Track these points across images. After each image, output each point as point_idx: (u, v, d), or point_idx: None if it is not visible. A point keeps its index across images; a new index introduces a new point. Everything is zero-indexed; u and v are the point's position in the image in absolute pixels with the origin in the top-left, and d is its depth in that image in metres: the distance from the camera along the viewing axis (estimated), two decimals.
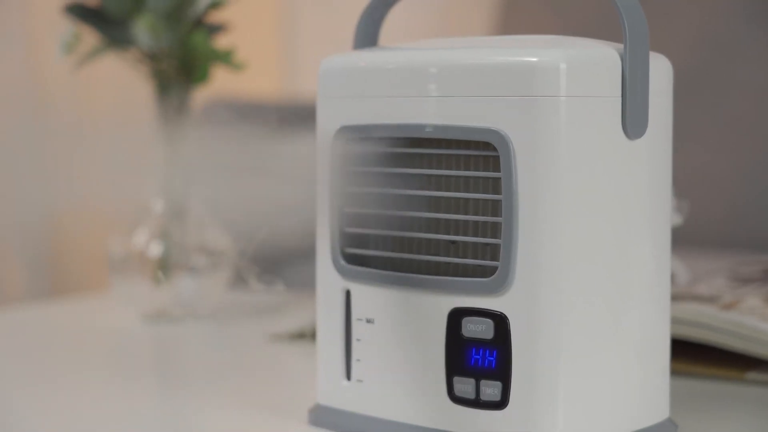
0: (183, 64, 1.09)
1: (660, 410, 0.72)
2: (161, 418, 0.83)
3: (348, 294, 0.74)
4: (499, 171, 0.68)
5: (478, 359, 0.69)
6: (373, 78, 0.72)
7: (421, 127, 0.70)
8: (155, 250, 1.10)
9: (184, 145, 1.11)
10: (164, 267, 1.10)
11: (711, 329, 0.86)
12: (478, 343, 0.69)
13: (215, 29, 1.11)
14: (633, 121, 0.68)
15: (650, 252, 0.70)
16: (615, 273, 0.68)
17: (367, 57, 0.74)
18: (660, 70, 0.70)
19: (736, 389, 0.85)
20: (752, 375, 0.86)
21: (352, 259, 0.74)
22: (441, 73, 0.69)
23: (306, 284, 1.34)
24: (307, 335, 1.01)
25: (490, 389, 0.68)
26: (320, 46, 2.29)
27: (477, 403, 0.69)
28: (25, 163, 1.99)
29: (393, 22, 2.20)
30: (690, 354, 0.88)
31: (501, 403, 0.68)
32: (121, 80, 1.98)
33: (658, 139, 0.70)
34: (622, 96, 0.68)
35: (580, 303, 0.67)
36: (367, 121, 0.72)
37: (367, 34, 0.78)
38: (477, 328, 0.68)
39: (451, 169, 0.70)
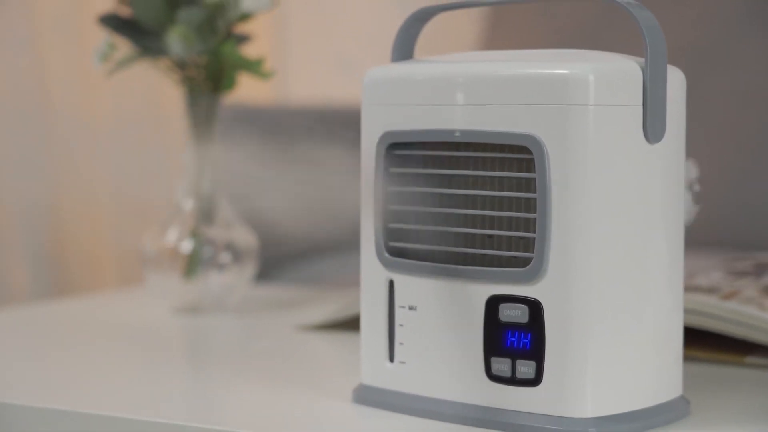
0: (211, 73, 1.16)
1: (674, 388, 0.80)
2: (210, 399, 0.90)
3: (391, 284, 0.81)
4: (532, 172, 0.75)
5: (514, 341, 0.76)
6: (416, 87, 0.80)
7: (460, 132, 0.78)
8: (186, 247, 1.17)
9: (212, 147, 1.18)
10: (194, 263, 1.17)
11: (713, 317, 0.94)
12: (514, 326, 0.76)
13: (242, 39, 1.18)
14: (653, 127, 0.76)
15: (666, 246, 0.78)
16: (636, 264, 0.76)
17: (410, 68, 0.81)
18: (675, 81, 0.78)
19: (737, 372, 0.93)
20: (751, 359, 0.94)
21: (396, 252, 0.81)
22: (479, 83, 0.77)
23: (319, 280, 1.42)
24: (334, 325, 1.08)
25: (525, 368, 0.76)
26: (310, 53, 2.36)
27: (513, 380, 0.76)
28: (29, 164, 2.05)
29: (384, 30, 2.28)
30: (694, 340, 0.95)
31: (535, 381, 0.76)
32: (123, 84, 2.05)
33: (674, 143, 0.78)
34: (643, 104, 0.76)
35: (606, 290, 0.75)
36: (410, 127, 0.80)
37: (404, 48, 0.85)
38: (513, 313, 0.76)
39: (486, 170, 0.78)
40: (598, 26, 1.72)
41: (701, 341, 0.96)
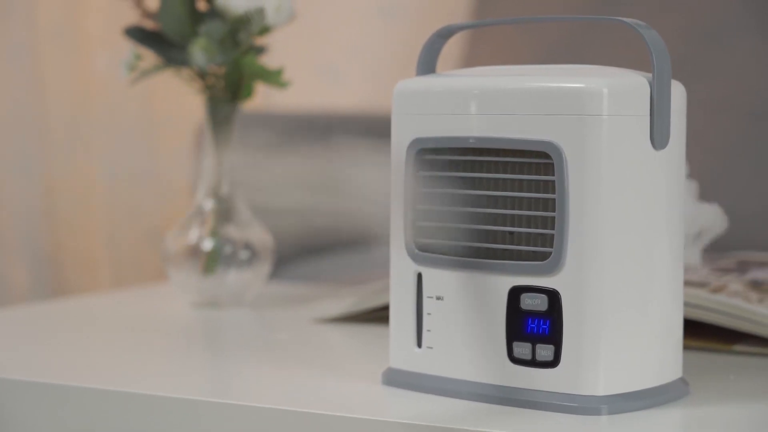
0: (230, 82, 1.24)
1: (675, 371, 0.89)
2: (242, 379, 0.98)
3: (419, 276, 0.90)
4: (551, 175, 0.84)
5: (534, 327, 0.85)
6: (444, 98, 0.88)
7: (485, 139, 0.86)
8: (206, 245, 1.25)
9: (231, 151, 1.26)
10: (214, 261, 1.25)
11: (704, 309, 1.03)
12: (534, 314, 0.85)
13: (260, 50, 1.26)
14: (659, 135, 0.85)
15: (668, 243, 0.87)
16: (643, 259, 0.85)
17: (437, 81, 0.90)
18: (677, 94, 0.87)
19: (726, 358, 1.02)
20: (739, 347, 1.03)
21: (424, 248, 0.90)
22: (503, 95, 0.85)
23: (321, 278, 1.50)
24: (348, 318, 1.16)
25: (544, 351, 0.84)
26: (293, 63, 2.43)
27: (533, 363, 0.85)
28: (27, 169, 2.12)
29: (368, 40, 2.34)
30: (686, 330, 1.04)
31: (553, 363, 0.84)
32: (117, 92, 2.12)
33: (677, 149, 0.87)
34: (651, 115, 0.84)
35: (618, 282, 0.84)
36: (438, 134, 0.88)
37: (428, 62, 0.94)
38: (533, 302, 0.85)
39: (508, 173, 0.86)
40: (579, 39, 1.80)
41: (692, 331, 1.04)
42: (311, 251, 1.62)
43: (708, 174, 1.62)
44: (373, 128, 1.88)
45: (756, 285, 1.10)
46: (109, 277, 2.20)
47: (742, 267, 1.17)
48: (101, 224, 2.19)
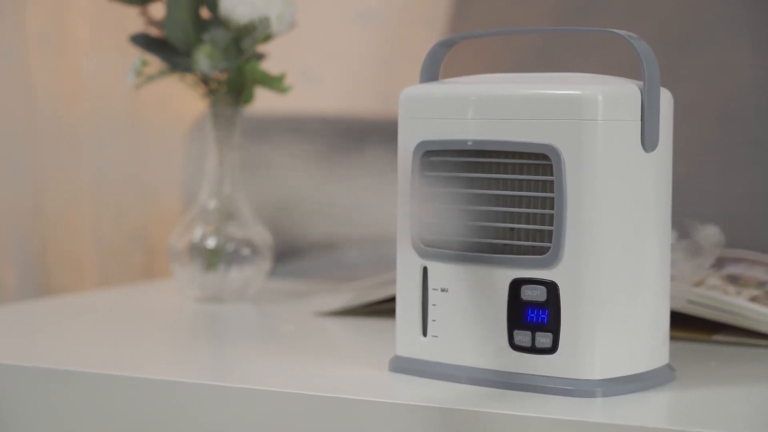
0: (232, 87, 1.30)
1: (662, 358, 0.96)
2: (253, 369, 1.04)
3: (425, 270, 0.96)
4: (550, 175, 0.91)
5: (534, 317, 0.91)
6: (449, 104, 0.95)
7: (488, 142, 0.93)
8: (209, 243, 1.31)
9: (233, 153, 1.32)
10: (217, 257, 1.31)
11: (686, 302, 1.10)
12: (533, 304, 0.91)
13: (260, 57, 1.32)
14: (649, 139, 0.91)
15: (657, 240, 0.93)
16: (634, 254, 0.92)
17: (441, 88, 0.96)
18: (665, 100, 0.94)
19: (705, 347, 1.09)
20: (718, 337, 1.10)
21: (429, 243, 0.96)
22: (504, 101, 0.92)
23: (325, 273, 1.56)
24: (350, 311, 1.23)
25: (543, 339, 0.91)
26: (274, 68, 2.49)
27: (533, 349, 0.91)
28: (15, 169, 2.16)
29: (346, 45, 2.40)
30: (671, 321, 1.11)
31: (552, 350, 0.91)
32: (103, 93, 2.17)
33: (665, 151, 0.93)
34: (641, 120, 0.91)
35: (611, 275, 0.90)
36: (443, 137, 0.95)
37: (431, 70, 1.00)
38: (533, 293, 0.91)
39: (508, 173, 0.93)
40: (555, 47, 1.87)
41: (677, 322, 1.11)
42: (310, 249, 1.68)
43: (676, 177, 1.69)
44: (352, 130, 1.94)
45: (733, 279, 1.17)
46: (96, 277, 2.25)
47: (719, 263, 1.24)
48: (88, 225, 2.24)
